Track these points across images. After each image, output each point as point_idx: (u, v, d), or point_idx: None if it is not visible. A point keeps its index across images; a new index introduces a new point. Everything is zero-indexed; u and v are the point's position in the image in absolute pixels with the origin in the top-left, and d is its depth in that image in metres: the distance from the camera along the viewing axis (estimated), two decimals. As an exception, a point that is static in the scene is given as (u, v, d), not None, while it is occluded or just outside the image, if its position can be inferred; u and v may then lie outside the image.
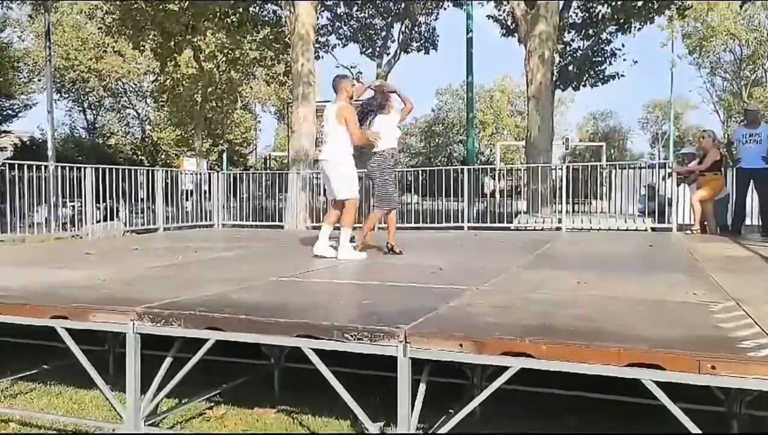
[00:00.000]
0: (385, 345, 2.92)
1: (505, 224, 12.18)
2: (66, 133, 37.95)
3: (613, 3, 19.51)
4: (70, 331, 3.53)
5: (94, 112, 41.04)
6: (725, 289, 4.07)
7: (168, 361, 3.42)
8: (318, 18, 17.50)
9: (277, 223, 13.45)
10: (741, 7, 20.07)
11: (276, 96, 37.66)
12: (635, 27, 19.98)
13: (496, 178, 16.42)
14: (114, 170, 11.41)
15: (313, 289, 4.44)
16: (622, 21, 19.77)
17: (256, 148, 46.07)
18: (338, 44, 24.07)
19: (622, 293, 4.06)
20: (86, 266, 5.89)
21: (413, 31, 24.15)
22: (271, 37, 21.46)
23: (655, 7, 18.88)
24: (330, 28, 23.66)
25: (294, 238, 10.66)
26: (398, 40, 24.10)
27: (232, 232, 11.65)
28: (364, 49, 24.18)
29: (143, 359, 3.43)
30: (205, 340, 3.28)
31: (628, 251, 7.35)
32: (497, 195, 14.29)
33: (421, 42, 24.17)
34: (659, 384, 2.54)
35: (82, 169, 10.94)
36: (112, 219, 11.67)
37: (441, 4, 23.29)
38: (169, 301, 3.65)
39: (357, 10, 23.66)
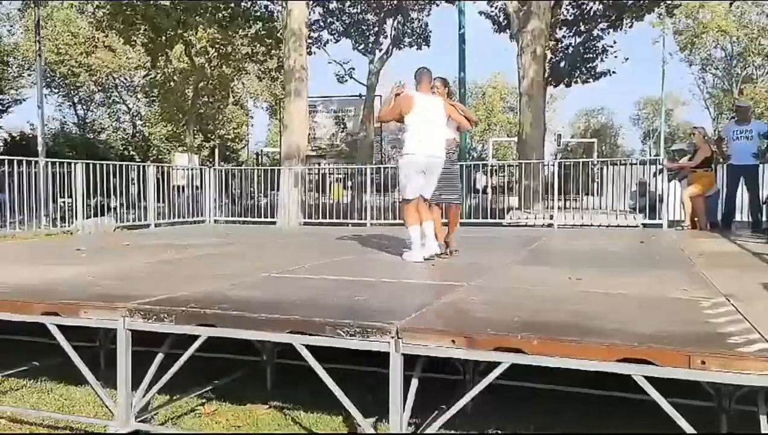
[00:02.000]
0: (378, 341, 2.92)
1: (497, 220, 12.21)
2: (56, 128, 37.65)
3: (605, 0, 19.57)
4: (60, 327, 3.51)
5: (85, 107, 40.76)
6: (716, 285, 4.09)
7: (159, 357, 3.41)
8: (310, 13, 17.47)
9: (269, 219, 13.43)
10: (731, 4, 20.12)
11: (268, 91, 37.49)
12: (626, 24, 20.03)
13: (489, 174, 16.45)
14: (105, 166, 11.36)
15: (305, 285, 4.44)
16: (613, 18, 19.82)
17: (248, 144, 45.90)
18: (330, 40, 24.02)
19: (614, 289, 4.08)
20: (77, 262, 5.86)
21: (405, 27, 24.12)
22: (263, 32, 21.38)
23: (646, 2, 18.93)
24: (322, 24, 23.60)
25: (286, 234, 10.66)
26: (390, 35, 24.05)
27: (224, 229, 11.62)
28: (356, 45, 24.12)
29: (135, 355, 3.42)
30: (197, 337, 3.27)
31: (620, 247, 7.38)
32: (489, 191, 14.31)
33: (414, 38, 24.14)
34: (650, 379, 2.56)
35: (73, 165, 10.88)
36: (103, 215, 11.61)
37: (433, 0, 23.27)
38: (161, 298, 3.64)
39: (349, 6, 23.59)
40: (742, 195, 9.45)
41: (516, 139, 16.08)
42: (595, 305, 3.60)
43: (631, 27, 20.25)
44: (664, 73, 38.39)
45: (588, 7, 20.40)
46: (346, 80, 24.86)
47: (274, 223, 13.17)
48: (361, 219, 12.71)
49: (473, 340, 2.79)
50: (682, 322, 3.11)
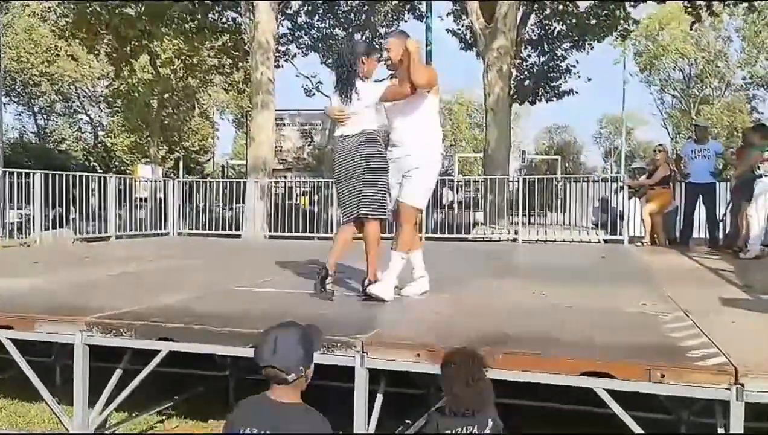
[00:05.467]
0: (343, 356, 2.90)
1: (462, 235, 12.28)
2: (15, 138, 36.76)
3: (569, 21, 20.01)
4: (15, 341, 3.40)
5: (45, 116, 39.90)
6: (674, 300, 4.17)
7: (118, 372, 3.33)
8: (278, 26, 17.44)
9: (234, 232, 13.27)
10: (691, 27, 20.78)
11: (235, 104, 37.25)
12: (589, 44, 20.53)
13: (454, 189, 16.58)
14: (64, 176, 11.09)
15: (269, 298, 4.39)
16: (576, 38, 20.30)
17: (213, 156, 45.43)
18: (298, 53, 24.03)
19: (576, 303, 4.13)
20: (33, 274, 5.69)
21: (373, 43, 24.26)
22: (230, 44, 21.24)
23: (608, 24, 19.45)
24: (290, 37, 23.58)
25: (251, 247, 10.54)
26: (358, 51, 24.16)
27: (188, 241, 11.44)
28: (324, 59, 24.17)
29: (93, 370, 3.33)
30: (158, 351, 3.20)
31: (582, 262, 7.49)
32: (455, 206, 14.40)
33: (381, 54, 24.29)
34: (611, 393, 2.59)
35: (31, 175, 10.61)
36: (62, 226, 11.31)
37: (401, 16, 23.49)
38: (120, 311, 3.55)
39: (318, 20, 23.65)
40: (700, 212, 9.68)
41: (482, 154, 16.25)
42: (559, 319, 3.63)
43: (593, 48, 20.80)
44: (624, 93, 39.46)
45: (552, 28, 20.85)
46: (314, 94, 24.88)
47: (239, 236, 13.01)
48: (327, 232, 12.65)
49: (437, 355, 2.79)
50: (642, 336, 3.16)
